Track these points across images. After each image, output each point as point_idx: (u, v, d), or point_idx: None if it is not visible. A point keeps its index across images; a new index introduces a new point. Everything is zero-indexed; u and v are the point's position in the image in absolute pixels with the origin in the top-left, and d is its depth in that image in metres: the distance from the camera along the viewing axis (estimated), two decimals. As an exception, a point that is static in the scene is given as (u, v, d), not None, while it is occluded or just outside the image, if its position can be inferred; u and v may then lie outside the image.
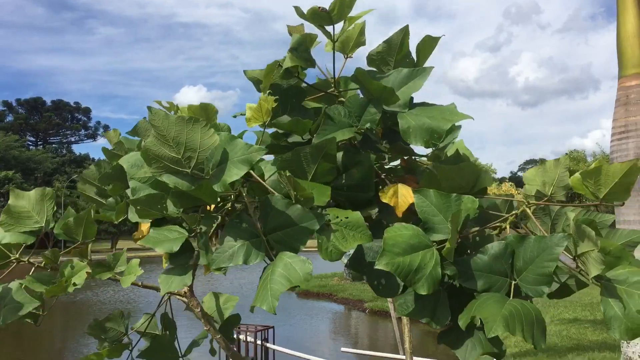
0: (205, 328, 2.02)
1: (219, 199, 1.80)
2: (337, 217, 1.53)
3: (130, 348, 2.12)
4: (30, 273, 1.73)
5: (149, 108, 1.37)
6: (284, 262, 1.39)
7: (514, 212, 1.81)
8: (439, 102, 1.87)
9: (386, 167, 2.10)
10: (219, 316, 2.23)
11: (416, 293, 1.66)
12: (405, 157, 2.04)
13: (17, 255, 1.69)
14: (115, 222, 1.94)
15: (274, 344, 10.65)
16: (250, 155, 1.37)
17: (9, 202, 1.61)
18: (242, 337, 10.57)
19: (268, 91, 1.80)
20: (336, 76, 1.94)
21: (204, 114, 1.57)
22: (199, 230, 1.62)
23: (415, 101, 1.86)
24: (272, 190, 1.57)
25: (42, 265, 1.76)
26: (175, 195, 1.53)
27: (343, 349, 10.67)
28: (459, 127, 2.30)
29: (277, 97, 1.82)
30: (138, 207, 1.66)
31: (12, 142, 72.14)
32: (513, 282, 1.61)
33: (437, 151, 2.15)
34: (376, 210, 1.81)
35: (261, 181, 1.61)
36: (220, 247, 1.45)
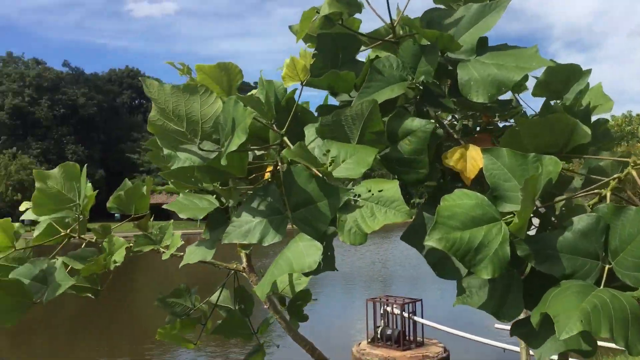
0: (265, 306, 1.98)
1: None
2: (369, 190, 1.36)
3: (202, 322, 2.17)
4: (82, 247, 1.81)
5: (142, 79, 1.31)
6: (295, 245, 1.28)
7: (615, 175, 1.48)
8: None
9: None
10: (291, 292, 2.18)
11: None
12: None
13: (68, 231, 1.78)
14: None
15: (422, 317, 10.54)
16: (244, 121, 1.25)
17: (36, 185, 1.67)
18: (388, 309, 10.61)
19: (308, 44, 1.66)
20: (397, 18, 1.73)
21: (225, 75, 1.47)
22: (228, 204, 1.57)
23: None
24: (302, 160, 1.44)
25: (94, 240, 1.83)
26: (199, 170, 1.48)
27: (497, 325, 10.22)
28: (588, 71, 1.95)
29: (320, 50, 1.68)
30: (172, 180, 1.64)
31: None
32: (607, 267, 1.31)
33: (558, 105, 1.84)
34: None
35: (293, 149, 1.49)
36: (236, 220, 1.37)
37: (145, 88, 1.30)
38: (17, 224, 1.66)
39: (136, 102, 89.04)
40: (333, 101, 1.82)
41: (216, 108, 1.30)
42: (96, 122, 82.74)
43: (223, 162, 1.29)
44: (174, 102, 1.30)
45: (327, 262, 1.43)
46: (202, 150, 1.38)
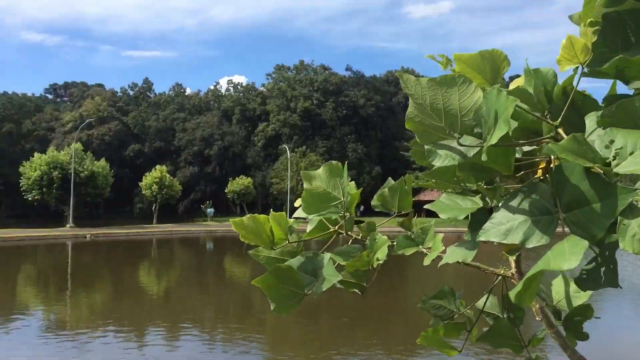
0: (537, 318, 1.81)
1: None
2: None
3: (467, 328, 2.08)
4: (348, 243, 1.88)
5: (399, 74, 1.28)
6: (561, 245, 1.13)
7: None
8: None
9: None
10: (567, 305, 1.96)
11: None
12: None
13: (337, 228, 1.86)
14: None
15: None
16: (506, 111, 1.13)
17: (305, 187, 1.76)
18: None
19: (589, 20, 1.45)
20: None
21: (488, 64, 1.36)
22: (492, 205, 1.46)
23: None
24: (572, 156, 1.26)
25: (360, 237, 1.89)
26: (460, 168, 1.41)
27: None
28: None
29: (606, 31, 1.45)
30: (433, 181, 1.60)
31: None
32: None
33: None
34: None
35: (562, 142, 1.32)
36: (496, 217, 1.26)
37: (402, 83, 1.28)
38: (291, 220, 1.80)
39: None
40: (623, 90, 1.57)
41: (476, 99, 1.21)
42: (374, 122, 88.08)
43: (483, 157, 1.20)
44: (431, 95, 1.25)
45: (608, 277, 1.23)
46: (462, 145, 1.30)
